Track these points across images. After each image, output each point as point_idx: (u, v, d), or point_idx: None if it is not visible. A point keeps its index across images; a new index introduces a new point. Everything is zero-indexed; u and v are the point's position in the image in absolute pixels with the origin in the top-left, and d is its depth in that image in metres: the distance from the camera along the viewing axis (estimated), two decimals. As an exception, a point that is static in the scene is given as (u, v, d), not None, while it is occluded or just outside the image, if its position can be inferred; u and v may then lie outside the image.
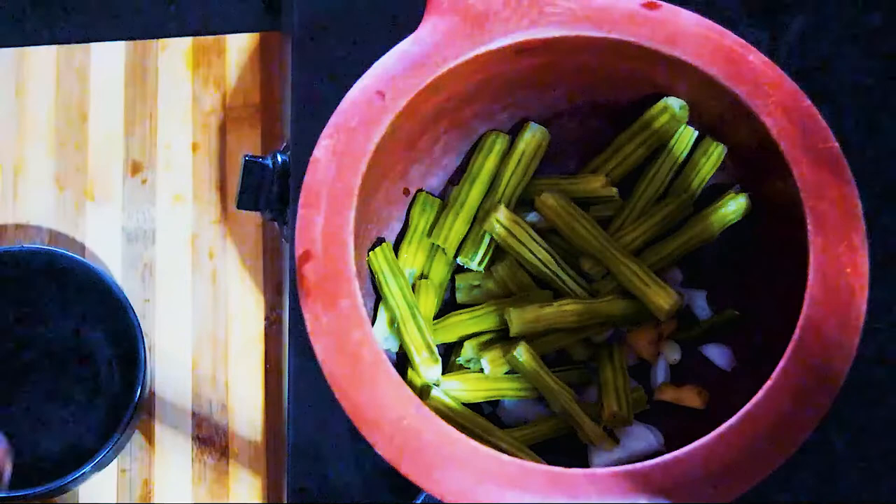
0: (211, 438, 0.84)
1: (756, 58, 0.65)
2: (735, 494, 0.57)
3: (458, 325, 0.71)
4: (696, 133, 0.71)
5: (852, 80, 0.79)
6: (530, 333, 0.69)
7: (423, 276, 0.73)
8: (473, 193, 0.72)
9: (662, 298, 0.68)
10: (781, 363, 0.59)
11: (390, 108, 0.64)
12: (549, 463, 0.67)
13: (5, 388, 0.84)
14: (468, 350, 0.70)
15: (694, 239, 0.71)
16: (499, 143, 0.73)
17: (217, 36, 0.91)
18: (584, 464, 0.70)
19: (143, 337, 0.80)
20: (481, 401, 0.70)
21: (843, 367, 0.59)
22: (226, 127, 0.90)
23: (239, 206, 0.78)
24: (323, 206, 0.62)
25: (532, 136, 0.72)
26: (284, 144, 0.80)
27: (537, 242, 0.71)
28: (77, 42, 0.92)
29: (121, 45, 0.91)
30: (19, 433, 0.83)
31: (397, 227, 0.74)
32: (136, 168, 0.89)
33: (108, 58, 0.91)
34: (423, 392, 0.68)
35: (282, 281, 0.86)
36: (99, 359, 0.84)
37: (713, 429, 0.58)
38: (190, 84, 0.91)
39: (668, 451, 0.58)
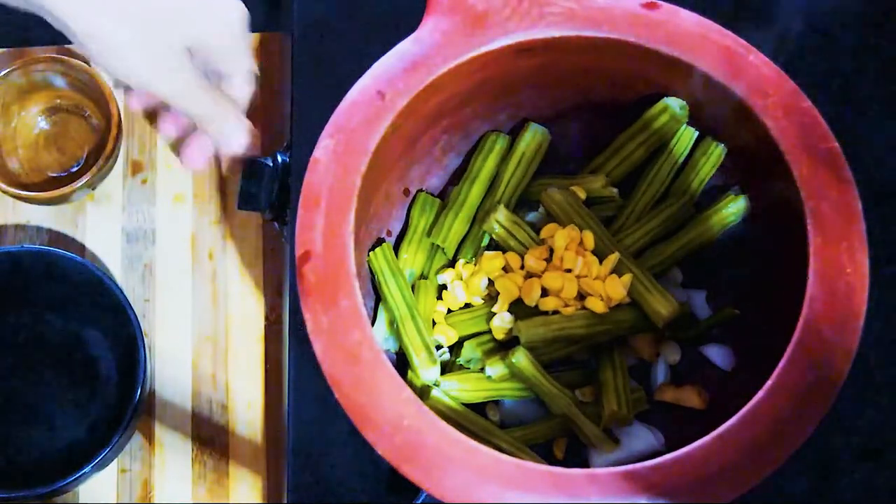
0: (211, 438, 0.84)
1: (756, 58, 0.65)
2: (735, 494, 0.57)
3: (458, 325, 0.71)
4: (696, 133, 0.71)
5: (852, 80, 0.79)
6: (539, 343, 0.69)
7: (423, 277, 0.73)
8: (473, 193, 0.72)
9: (661, 305, 0.68)
10: (781, 363, 0.59)
11: (390, 108, 0.64)
12: (550, 463, 0.67)
13: (5, 388, 0.84)
14: (468, 350, 0.70)
15: (694, 241, 0.71)
16: (499, 144, 0.73)
17: (217, 36, 0.91)
18: (585, 464, 0.70)
19: (143, 337, 0.80)
20: (481, 401, 0.70)
21: (843, 366, 0.59)
22: (226, 127, 0.90)
23: (239, 207, 0.78)
24: (323, 207, 0.62)
25: (532, 137, 0.72)
26: (285, 144, 0.80)
27: (537, 243, 0.71)
28: (77, 42, 0.91)
29: (121, 46, 0.91)
30: (19, 433, 0.83)
31: (397, 227, 0.74)
32: (136, 168, 0.89)
33: (108, 58, 0.91)
34: (422, 392, 0.68)
35: (282, 281, 0.86)
36: (99, 359, 0.84)
37: (713, 429, 0.58)
38: (190, 84, 0.91)
39: (669, 451, 0.58)
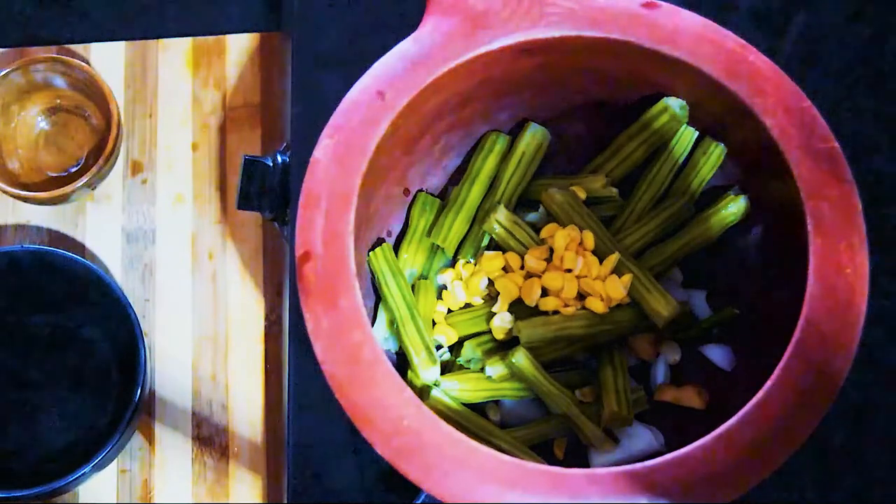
0: (211, 438, 0.84)
1: (756, 58, 0.65)
2: (736, 494, 0.57)
3: (458, 325, 0.71)
4: (696, 133, 0.71)
5: (853, 80, 0.79)
6: (539, 343, 0.69)
7: (423, 277, 0.73)
8: (473, 193, 0.72)
9: (662, 305, 0.68)
10: (782, 363, 0.59)
11: (390, 108, 0.64)
12: (550, 463, 0.67)
13: (5, 387, 0.84)
14: (468, 350, 0.70)
15: (694, 241, 0.71)
16: (499, 144, 0.73)
17: (217, 36, 0.91)
18: (585, 464, 0.70)
19: (143, 337, 0.80)
20: (481, 401, 0.70)
21: (843, 366, 0.59)
22: (226, 127, 0.90)
23: (239, 207, 0.78)
24: (323, 207, 0.62)
25: (532, 137, 0.72)
26: (284, 144, 0.80)
27: (537, 243, 0.71)
28: (77, 42, 0.91)
29: (121, 45, 0.91)
30: (19, 433, 0.83)
31: (397, 227, 0.74)
32: (136, 168, 0.89)
33: (108, 58, 0.91)
34: (422, 392, 0.68)
35: (282, 281, 0.86)
36: (99, 359, 0.84)
37: (713, 429, 0.58)
38: (190, 84, 0.91)
39: (669, 451, 0.58)
